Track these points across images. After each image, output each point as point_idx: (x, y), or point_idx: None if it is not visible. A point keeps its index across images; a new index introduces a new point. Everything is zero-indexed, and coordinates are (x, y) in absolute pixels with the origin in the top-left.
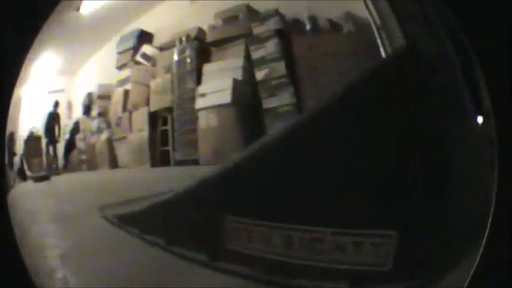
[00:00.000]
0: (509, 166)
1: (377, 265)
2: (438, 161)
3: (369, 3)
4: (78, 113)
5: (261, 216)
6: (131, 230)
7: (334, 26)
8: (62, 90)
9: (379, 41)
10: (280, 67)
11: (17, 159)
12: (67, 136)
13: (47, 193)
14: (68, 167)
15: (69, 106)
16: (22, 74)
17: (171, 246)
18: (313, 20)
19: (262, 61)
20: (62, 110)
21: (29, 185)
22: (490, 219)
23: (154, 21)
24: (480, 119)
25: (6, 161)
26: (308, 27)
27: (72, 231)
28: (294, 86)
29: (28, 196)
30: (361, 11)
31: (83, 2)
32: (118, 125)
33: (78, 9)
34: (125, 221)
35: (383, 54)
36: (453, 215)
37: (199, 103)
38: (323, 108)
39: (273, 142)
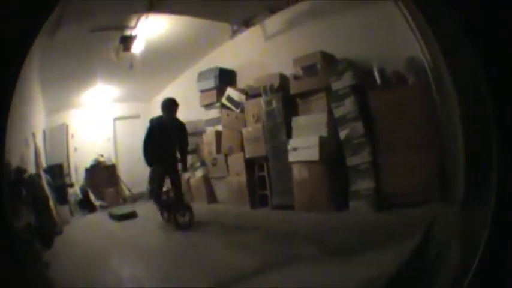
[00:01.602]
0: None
1: None
2: None
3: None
4: None
5: None
6: None
7: (401, 77)
8: (137, 116)
9: (433, 87)
10: (359, 127)
11: (75, 191)
12: None
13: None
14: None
15: None
16: (54, 101)
17: None
18: (382, 73)
19: (343, 120)
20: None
21: (100, 216)
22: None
23: (224, 57)
24: None
25: (53, 198)
26: (379, 81)
27: None
28: (372, 144)
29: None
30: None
31: (136, 41)
32: (214, 165)
33: (128, 48)
34: None
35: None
36: None
37: (292, 156)
38: None
39: None
